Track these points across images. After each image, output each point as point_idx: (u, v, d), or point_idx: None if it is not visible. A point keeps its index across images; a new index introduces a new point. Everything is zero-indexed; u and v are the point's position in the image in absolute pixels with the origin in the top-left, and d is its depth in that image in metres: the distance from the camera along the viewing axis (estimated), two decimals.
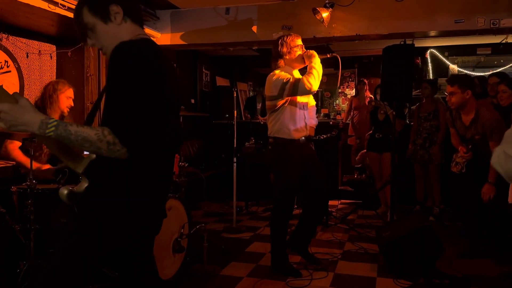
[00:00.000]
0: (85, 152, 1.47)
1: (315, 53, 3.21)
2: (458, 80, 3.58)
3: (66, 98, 3.24)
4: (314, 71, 3.09)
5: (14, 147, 3.09)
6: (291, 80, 3.11)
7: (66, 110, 3.25)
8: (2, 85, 1.37)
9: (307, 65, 3.21)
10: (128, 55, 1.40)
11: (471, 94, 3.51)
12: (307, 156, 3.30)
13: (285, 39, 3.26)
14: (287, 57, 3.25)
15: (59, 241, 1.57)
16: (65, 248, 1.49)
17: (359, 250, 3.89)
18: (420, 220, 3.44)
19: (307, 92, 3.12)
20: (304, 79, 3.07)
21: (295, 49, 3.24)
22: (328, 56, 3.31)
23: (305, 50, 3.27)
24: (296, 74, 3.28)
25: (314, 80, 3.07)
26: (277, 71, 3.22)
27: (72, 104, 3.31)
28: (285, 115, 3.20)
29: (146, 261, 1.72)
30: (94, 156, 1.48)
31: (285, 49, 3.23)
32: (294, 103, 3.21)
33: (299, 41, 3.29)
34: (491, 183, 3.34)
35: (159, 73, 1.45)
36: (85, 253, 1.46)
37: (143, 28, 1.64)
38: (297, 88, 3.08)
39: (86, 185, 1.47)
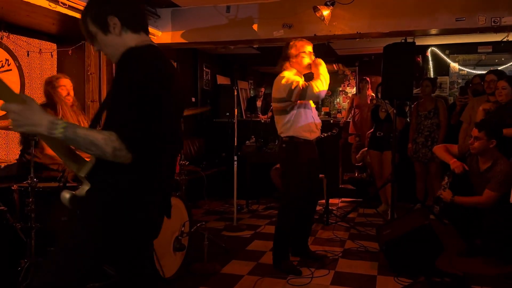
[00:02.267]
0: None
1: (322, 62, 3.25)
2: (487, 127, 3.51)
3: (61, 89, 3.20)
4: (322, 77, 3.14)
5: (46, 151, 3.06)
6: (300, 84, 3.14)
7: (67, 100, 3.21)
8: (8, 86, 1.36)
9: (311, 72, 3.25)
10: (136, 62, 1.42)
11: (495, 144, 3.48)
12: (314, 156, 3.37)
13: (295, 42, 3.27)
14: (294, 60, 3.26)
15: (59, 241, 1.55)
16: (67, 250, 1.48)
17: (360, 248, 3.89)
18: (420, 218, 3.44)
19: (315, 97, 3.18)
20: (313, 84, 3.11)
21: (303, 54, 3.24)
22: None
23: (314, 58, 3.28)
24: (299, 78, 3.29)
25: (322, 86, 3.12)
26: (286, 73, 3.23)
27: (71, 93, 3.25)
28: (298, 116, 3.25)
29: (146, 260, 1.72)
30: (95, 160, 1.48)
31: (293, 52, 3.25)
32: (304, 105, 3.26)
33: (309, 48, 3.29)
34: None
35: (166, 80, 1.47)
36: (87, 256, 1.46)
37: (147, 34, 1.63)
38: (305, 93, 3.12)
39: (87, 188, 1.47)
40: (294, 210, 3.31)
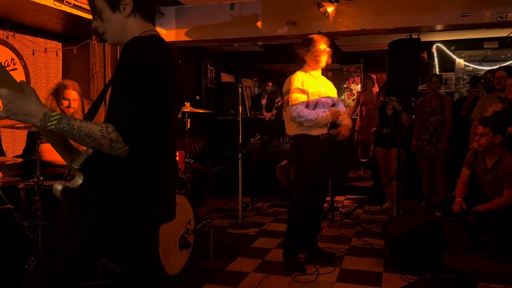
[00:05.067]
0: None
1: (329, 118, 3.29)
2: (492, 123, 3.52)
3: (64, 100, 3.20)
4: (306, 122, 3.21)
5: (46, 149, 3.06)
6: (291, 98, 3.22)
7: (67, 111, 3.19)
8: (6, 69, 1.34)
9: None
10: (138, 52, 1.40)
11: (501, 140, 3.50)
12: (324, 153, 3.35)
13: (311, 38, 3.31)
14: (309, 58, 3.31)
15: (51, 234, 1.51)
16: (58, 242, 1.46)
17: (365, 245, 3.89)
18: (426, 215, 3.43)
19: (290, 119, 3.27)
20: (296, 110, 3.19)
21: (318, 53, 3.27)
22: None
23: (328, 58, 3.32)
24: (317, 75, 3.35)
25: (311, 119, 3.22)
26: (298, 74, 3.30)
27: (73, 105, 3.23)
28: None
29: (149, 256, 1.71)
30: (90, 151, 1.45)
31: (309, 49, 3.28)
32: (314, 102, 3.28)
33: (323, 45, 3.29)
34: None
35: (167, 73, 1.44)
36: (78, 248, 1.43)
37: (154, 25, 1.62)
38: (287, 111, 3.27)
39: (80, 181, 1.44)
40: (302, 206, 3.31)
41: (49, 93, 3.27)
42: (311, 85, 3.28)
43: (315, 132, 3.29)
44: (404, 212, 4.38)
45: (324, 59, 3.30)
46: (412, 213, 3.77)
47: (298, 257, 3.37)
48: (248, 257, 3.60)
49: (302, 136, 3.29)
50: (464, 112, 4.77)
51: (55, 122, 1.31)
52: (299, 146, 3.32)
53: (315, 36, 3.32)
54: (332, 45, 3.40)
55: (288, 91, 3.26)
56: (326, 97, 3.34)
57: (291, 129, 3.36)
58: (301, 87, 3.24)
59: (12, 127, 2.69)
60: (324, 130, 3.35)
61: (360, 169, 6.70)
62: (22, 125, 2.57)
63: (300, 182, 3.31)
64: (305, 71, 3.34)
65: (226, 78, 7.95)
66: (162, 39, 1.53)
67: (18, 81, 1.35)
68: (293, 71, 3.39)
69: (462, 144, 4.57)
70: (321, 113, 3.24)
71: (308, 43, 3.30)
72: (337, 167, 3.45)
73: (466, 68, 7.22)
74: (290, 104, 3.23)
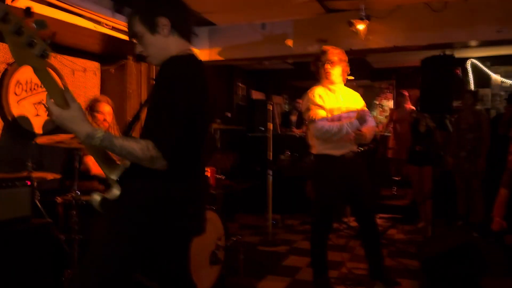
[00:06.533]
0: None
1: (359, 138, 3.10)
2: None
3: (99, 114, 3.30)
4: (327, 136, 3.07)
5: (94, 162, 3.16)
6: (310, 114, 3.12)
7: (102, 125, 3.29)
8: (56, 80, 1.43)
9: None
10: (176, 72, 1.46)
11: None
12: (349, 174, 3.15)
13: (323, 50, 3.19)
14: (320, 71, 3.20)
15: (90, 246, 1.56)
16: (95, 254, 1.49)
17: (399, 266, 3.78)
18: (462, 235, 3.32)
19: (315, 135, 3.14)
20: (316, 127, 3.07)
21: (327, 65, 3.14)
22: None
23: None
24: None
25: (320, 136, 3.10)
26: (316, 89, 3.19)
27: (107, 119, 3.34)
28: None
29: (183, 270, 1.73)
30: (128, 163, 1.51)
31: (320, 61, 3.18)
32: (333, 119, 3.11)
33: (333, 56, 3.15)
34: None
35: (200, 91, 1.51)
36: (115, 260, 1.47)
37: (190, 43, 1.67)
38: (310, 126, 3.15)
39: (118, 192, 1.49)
40: (319, 226, 3.24)
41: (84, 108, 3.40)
42: (328, 100, 3.14)
43: (338, 151, 3.13)
44: (439, 232, 4.25)
45: (334, 72, 3.13)
46: (448, 233, 3.65)
47: (326, 278, 3.26)
48: (279, 275, 3.57)
49: (324, 156, 3.16)
50: (502, 129, 4.61)
51: (98, 142, 1.38)
52: (319, 167, 3.22)
53: (325, 48, 3.19)
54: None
55: (307, 108, 3.15)
56: (348, 112, 3.16)
57: (313, 147, 3.25)
58: (318, 102, 3.12)
59: (54, 143, 2.81)
60: (350, 148, 3.17)
61: (392, 187, 6.56)
62: (63, 141, 2.69)
63: (317, 204, 3.23)
64: (323, 86, 3.20)
65: (256, 95, 8.03)
66: (197, 58, 1.59)
67: (65, 93, 1.43)
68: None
69: (501, 162, 4.41)
70: (346, 125, 3.04)
71: (318, 56, 3.19)
72: (368, 185, 3.27)
73: (503, 84, 7.01)
74: (310, 121, 3.12)
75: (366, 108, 3.31)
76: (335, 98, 3.18)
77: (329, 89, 3.19)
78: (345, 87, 3.28)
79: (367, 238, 3.30)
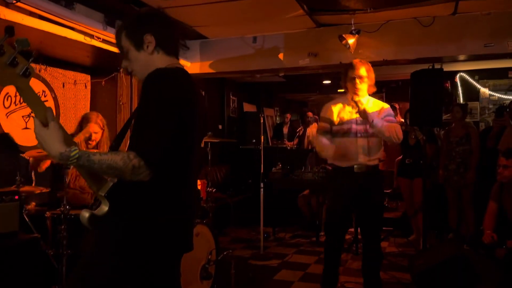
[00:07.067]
0: None
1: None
2: None
3: (86, 132, 3.29)
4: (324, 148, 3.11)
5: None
6: (320, 128, 3.19)
7: (88, 143, 3.28)
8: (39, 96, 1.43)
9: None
10: (162, 82, 1.46)
11: None
12: (358, 188, 3.04)
13: (352, 63, 3.20)
14: (346, 84, 3.20)
15: (78, 262, 1.53)
16: (84, 269, 1.48)
17: (391, 279, 3.77)
18: (454, 248, 3.32)
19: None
20: (317, 142, 3.13)
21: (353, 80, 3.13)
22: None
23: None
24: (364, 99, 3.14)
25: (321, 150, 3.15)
26: (331, 102, 3.24)
27: (94, 138, 3.31)
28: (335, 142, 3.11)
29: (173, 287, 1.71)
30: (116, 179, 1.49)
31: (347, 75, 3.18)
32: (344, 130, 3.10)
33: (359, 71, 3.14)
34: None
35: (189, 102, 1.50)
36: (104, 276, 1.45)
37: (178, 59, 1.67)
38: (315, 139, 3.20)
39: (106, 208, 1.47)
40: (328, 239, 3.23)
41: (77, 123, 3.39)
42: (343, 112, 3.12)
43: (344, 163, 3.07)
44: (431, 244, 4.25)
45: (363, 87, 3.10)
46: (439, 245, 3.66)
47: None
48: None
49: (333, 167, 3.22)
50: (491, 142, 4.66)
51: (74, 161, 1.37)
52: (328, 177, 3.29)
53: (353, 62, 3.19)
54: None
55: (321, 116, 3.26)
56: (363, 125, 3.07)
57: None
58: (324, 116, 3.18)
59: (43, 157, 2.78)
60: (361, 160, 3.04)
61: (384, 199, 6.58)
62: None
63: (326, 216, 3.26)
64: (347, 97, 3.18)
65: (248, 108, 8.05)
66: (185, 71, 1.58)
67: (46, 112, 1.42)
68: (314, 101, 3.39)
69: (490, 174, 4.45)
70: (330, 146, 3.05)
71: (345, 70, 3.20)
72: (378, 208, 3.20)
73: (491, 97, 7.12)
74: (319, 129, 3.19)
75: (391, 117, 3.23)
76: (350, 111, 3.13)
77: (350, 102, 3.13)
78: (372, 98, 3.25)
79: (367, 261, 3.20)
